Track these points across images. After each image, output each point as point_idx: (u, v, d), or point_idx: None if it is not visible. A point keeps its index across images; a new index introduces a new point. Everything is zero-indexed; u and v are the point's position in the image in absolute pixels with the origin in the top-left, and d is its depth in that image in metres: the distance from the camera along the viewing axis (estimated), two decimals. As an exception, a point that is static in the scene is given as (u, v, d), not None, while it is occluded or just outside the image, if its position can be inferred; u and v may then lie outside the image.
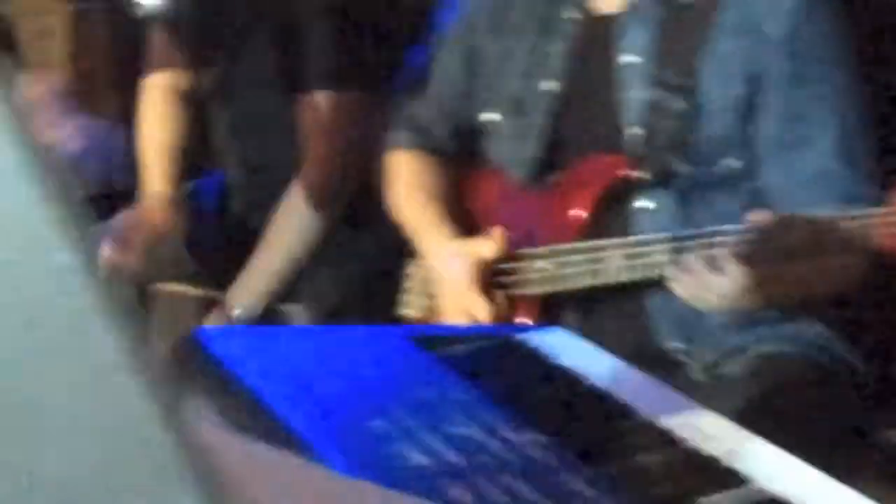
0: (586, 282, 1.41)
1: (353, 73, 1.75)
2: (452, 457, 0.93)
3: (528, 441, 0.96)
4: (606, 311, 1.42)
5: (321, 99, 1.74)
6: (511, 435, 0.97)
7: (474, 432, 0.98)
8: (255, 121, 1.86)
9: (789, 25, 1.36)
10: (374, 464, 0.91)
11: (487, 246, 1.46)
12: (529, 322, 1.44)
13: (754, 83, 1.38)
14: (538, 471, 0.92)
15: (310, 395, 1.05)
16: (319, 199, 1.75)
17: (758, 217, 1.21)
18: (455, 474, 0.90)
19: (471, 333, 1.29)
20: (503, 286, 1.47)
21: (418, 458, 0.92)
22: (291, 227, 1.76)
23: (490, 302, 1.44)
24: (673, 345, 1.38)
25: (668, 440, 0.97)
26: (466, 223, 1.55)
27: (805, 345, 1.37)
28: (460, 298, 1.46)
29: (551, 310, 1.44)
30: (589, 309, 1.42)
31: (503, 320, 1.44)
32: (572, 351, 1.17)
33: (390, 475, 0.89)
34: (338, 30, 1.72)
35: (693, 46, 1.40)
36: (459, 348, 1.18)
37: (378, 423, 0.98)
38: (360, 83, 1.75)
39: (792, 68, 1.37)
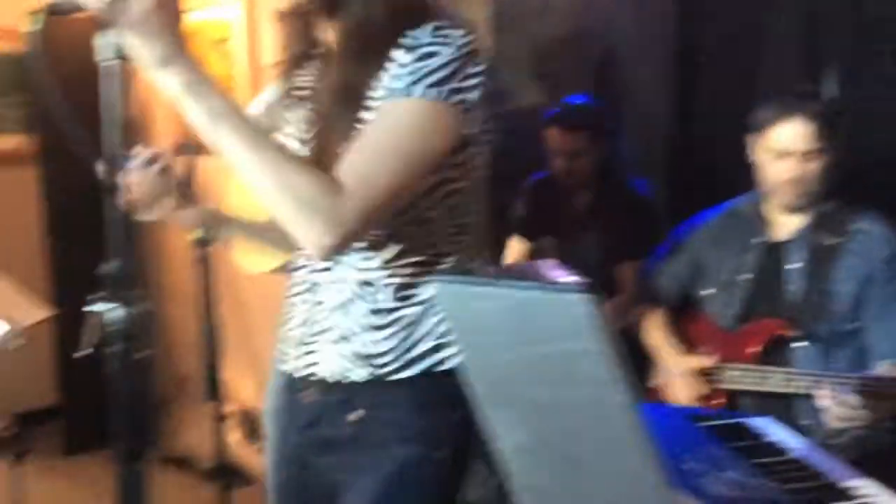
0: (756, 387, 2.57)
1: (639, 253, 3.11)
2: (728, 486, 1.78)
3: (756, 480, 1.80)
4: (766, 404, 2.57)
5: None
6: (746, 476, 1.82)
7: (731, 475, 1.84)
8: None
9: (888, 254, 2.50)
10: (693, 488, 1.73)
11: (705, 359, 2.65)
12: (723, 403, 2.60)
13: (864, 284, 2.50)
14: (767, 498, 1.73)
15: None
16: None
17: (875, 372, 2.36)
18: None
19: (713, 415, 2.42)
20: (710, 382, 2.65)
21: (711, 487, 1.75)
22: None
23: (702, 391, 2.63)
24: (806, 422, 2.49)
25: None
26: (685, 344, 2.75)
27: (874, 431, 2.52)
28: (687, 389, 2.64)
29: (734, 400, 2.61)
30: (758, 403, 2.58)
31: (707, 403, 2.61)
32: (773, 429, 2.22)
33: (700, 494, 1.71)
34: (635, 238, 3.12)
35: (830, 261, 2.56)
36: (712, 423, 2.29)
37: (689, 465, 1.86)
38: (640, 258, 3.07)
39: (887, 276, 2.50)
